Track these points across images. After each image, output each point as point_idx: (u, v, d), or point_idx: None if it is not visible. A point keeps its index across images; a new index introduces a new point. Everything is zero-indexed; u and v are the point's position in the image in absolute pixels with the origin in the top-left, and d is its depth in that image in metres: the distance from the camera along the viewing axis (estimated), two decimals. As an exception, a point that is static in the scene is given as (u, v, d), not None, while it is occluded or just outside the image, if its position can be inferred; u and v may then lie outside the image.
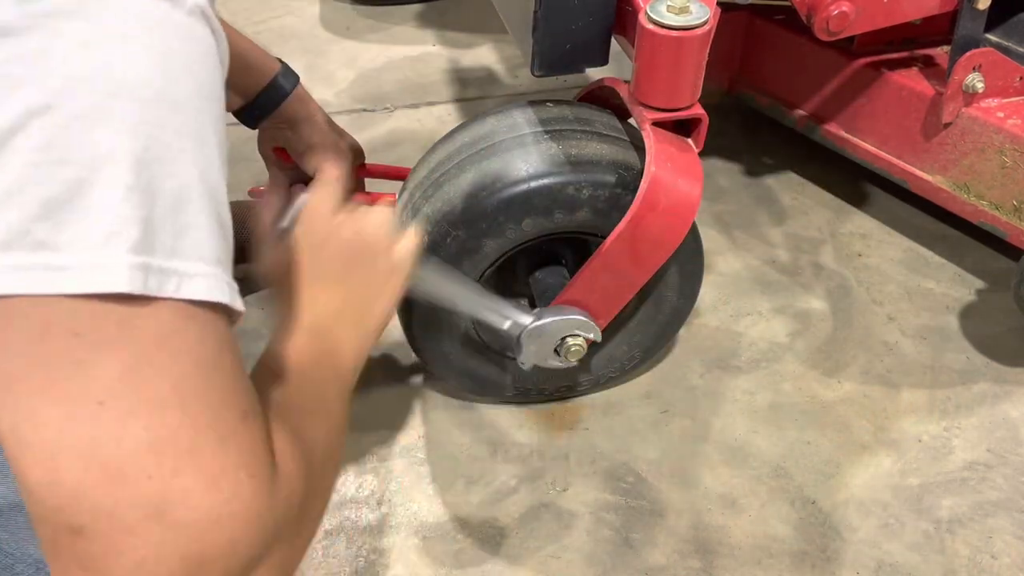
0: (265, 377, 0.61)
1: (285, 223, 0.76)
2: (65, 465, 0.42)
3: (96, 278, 0.42)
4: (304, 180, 1.11)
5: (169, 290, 0.44)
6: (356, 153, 1.11)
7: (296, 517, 0.52)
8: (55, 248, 0.42)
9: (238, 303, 0.49)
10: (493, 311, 0.95)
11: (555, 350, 0.97)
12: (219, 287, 0.47)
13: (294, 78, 1.04)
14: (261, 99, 1.03)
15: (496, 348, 1.04)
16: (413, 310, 0.97)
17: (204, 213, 0.47)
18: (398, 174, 1.11)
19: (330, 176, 1.01)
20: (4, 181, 0.41)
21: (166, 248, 0.45)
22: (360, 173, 1.13)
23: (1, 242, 0.41)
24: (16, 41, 0.43)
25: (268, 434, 0.50)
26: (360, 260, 0.74)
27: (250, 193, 1.14)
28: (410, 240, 0.79)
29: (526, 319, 0.95)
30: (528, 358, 0.97)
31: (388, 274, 0.76)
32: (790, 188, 1.46)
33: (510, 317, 0.95)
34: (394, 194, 1.08)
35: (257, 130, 1.07)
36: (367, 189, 1.16)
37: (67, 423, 0.42)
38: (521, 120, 0.96)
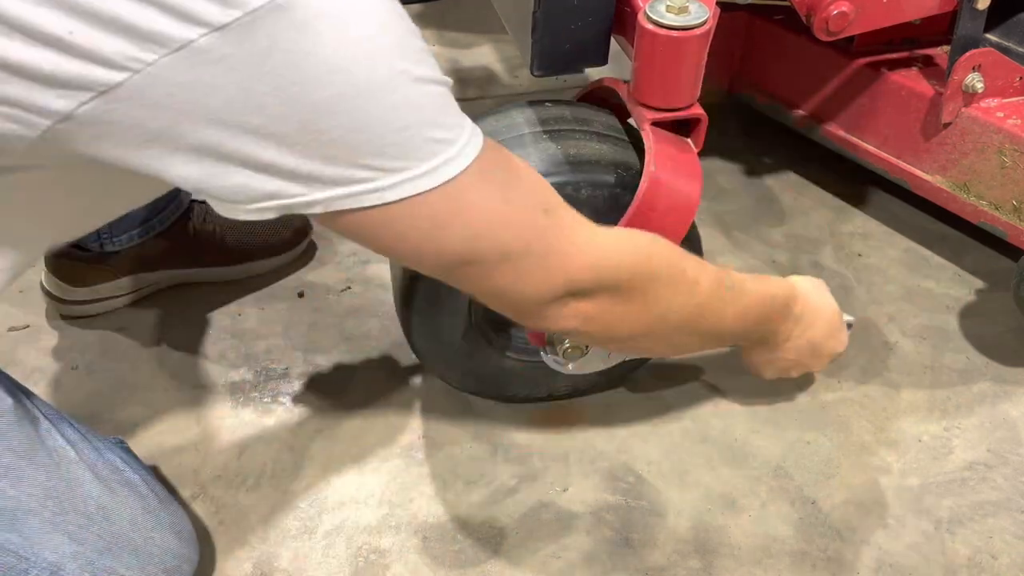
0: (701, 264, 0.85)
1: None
2: (510, 219, 0.69)
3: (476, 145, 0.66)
4: None
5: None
6: None
7: (620, 289, 0.76)
8: (451, 143, 0.63)
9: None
10: None
11: (554, 348, 0.97)
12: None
13: None
14: None
15: (496, 348, 1.04)
16: (413, 310, 0.97)
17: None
18: None
19: None
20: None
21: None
22: None
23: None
24: None
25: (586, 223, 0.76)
26: (824, 340, 0.98)
27: None
28: (842, 340, 1.01)
29: None
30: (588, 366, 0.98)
31: (818, 357, 1.00)
32: (790, 188, 1.46)
33: None
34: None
35: None
36: None
37: (501, 205, 0.67)
38: (520, 120, 0.96)
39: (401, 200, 0.62)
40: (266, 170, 0.59)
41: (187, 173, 0.59)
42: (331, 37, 0.55)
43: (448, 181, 0.63)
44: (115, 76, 0.53)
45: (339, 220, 0.63)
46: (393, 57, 0.59)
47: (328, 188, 0.60)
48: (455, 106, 0.65)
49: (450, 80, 0.65)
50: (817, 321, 0.97)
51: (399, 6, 0.61)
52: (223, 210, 0.63)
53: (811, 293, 0.97)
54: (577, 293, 0.74)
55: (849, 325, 1.03)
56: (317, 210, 0.61)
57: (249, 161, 0.58)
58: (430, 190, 0.62)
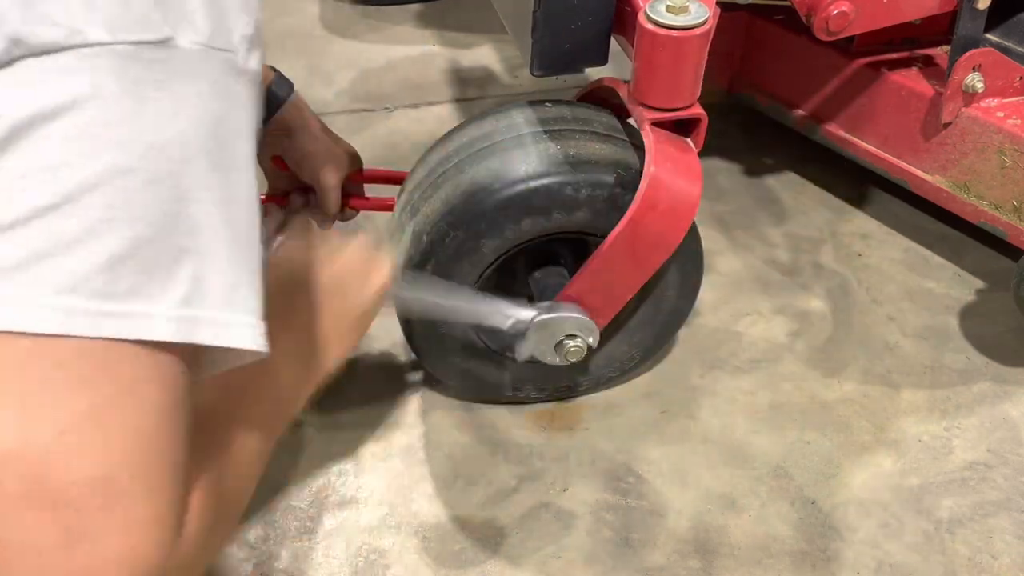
0: (208, 410, 0.61)
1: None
2: (4, 476, 0.44)
3: (142, 327, 0.46)
4: (302, 188, 1.11)
5: (197, 338, 0.48)
6: (353, 159, 1.11)
7: (185, 569, 0.52)
8: (111, 298, 0.46)
9: (262, 343, 0.52)
10: (493, 313, 0.95)
11: (555, 349, 0.97)
12: (242, 334, 0.51)
13: (287, 86, 1.05)
14: None
15: (496, 348, 1.04)
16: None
17: (245, 264, 0.52)
18: (396, 178, 1.11)
19: (328, 184, 1.02)
20: (72, 230, 0.45)
21: (216, 302, 0.49)
22: (358, 179, 1.13)
23: (64, 285, 0.45)
24: (105, 104, 0.46)
25: (187, 489, 0.52)
26: (331, 300, 0.77)
27: None
28: (379, 279, 0.82)
29: (528, 314, 0.95)
30: (527, 349, 0.97)
31: (355, 320, 0.80)
32: (790, 188, 1.46)
33: (511, 315, 0.95)
34: (392, 198, 1.08)
35: None
36: (366, 194, 1.16)
37: (22, 440, 0.44)
38: (520, 120, 0.96)
39: None
40: None
41: None
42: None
43: None
44: None
45: None
46: None
47: None
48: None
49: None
50: (341, 287, 0.78)
51: None
52: None
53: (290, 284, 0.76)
54: None
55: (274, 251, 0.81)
56: None
57: None
58: None
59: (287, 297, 0.74)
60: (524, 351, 0.97)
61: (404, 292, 0.91)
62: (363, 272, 0.81)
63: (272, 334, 0.62)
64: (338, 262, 0.80)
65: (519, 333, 0.96)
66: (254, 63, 0.54)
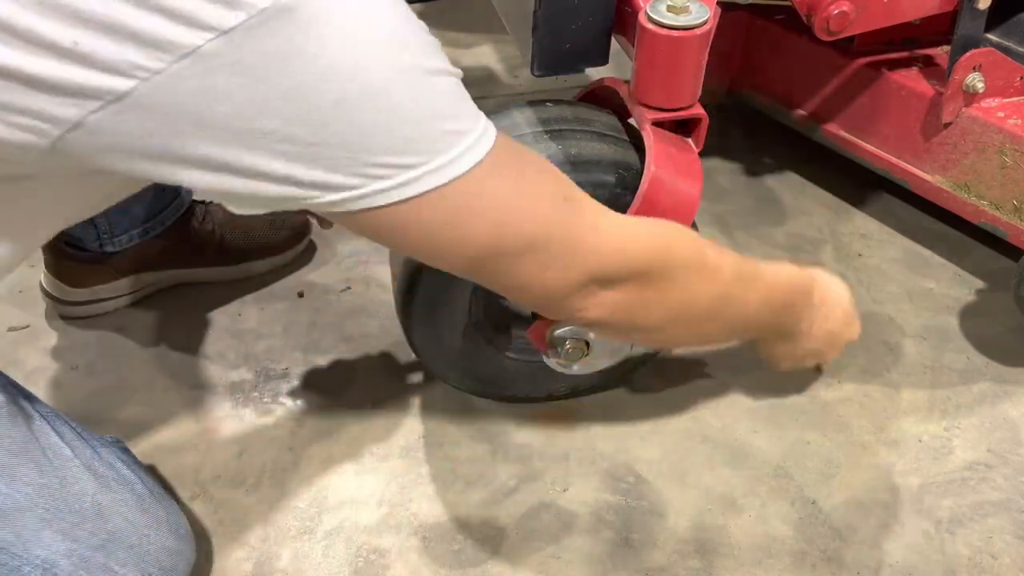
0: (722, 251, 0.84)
1: None
2: (530, 208, 0.69)
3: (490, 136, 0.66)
4: None
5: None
6: None
7: (645, 276, 0.76)
8: (466, 134, 0.63)
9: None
10: None
11: (556, 351, 0.97)
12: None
13: None
14: None
15: (496, 348, 1.04)
16: (413, 310, 0.97)
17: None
18: None
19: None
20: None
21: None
22: None
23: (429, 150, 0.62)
24: None
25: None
26: (815, 312, 0.96)
27: None
28: (854, 331, 1.02)
29: None
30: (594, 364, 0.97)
31: (834, 346, 1.01)
32: (790, 188, 1.46)
33: None
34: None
35: None
36: None
37: (520, 195, 0.67)
38: (520, 120, 0.96)
39: (419, 195, 0.61)
40: (276, 179, 0.59)
41: (200, 182, 0.59)
42: (339, 37, 0.55)
43: (466, 173, 0.62)
44: (122, 84, 0.53)
45: (357, 219, 0.63)
46: (402, 52, 0.59)
47: (343, 191, 0.60)
48: (467, 97, 0.65)
49: (460, 71, 0.65)
50: (836, 310, 0.97)
51: (403, 3, 0.61)
52: (233, 208, 0.63)
53: (828, 283, 0.98)
54: (602, 281, 0.74)
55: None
56: (336, 210, 0.61)
57: (262, 171, 0.58)
58: (448, 183, 0.62)
59: (818, 303, 0.96)
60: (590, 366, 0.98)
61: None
62: (848, 322, 1.00)
63: (773, 284, 0.90)
64: (846, 297, 0.99)
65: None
66: None
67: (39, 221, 0.71)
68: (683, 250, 0.80)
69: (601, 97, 1.02)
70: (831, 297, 0.97)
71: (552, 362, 0.97)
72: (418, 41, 0.61)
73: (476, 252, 0.68)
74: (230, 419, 1.08)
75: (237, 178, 0.59)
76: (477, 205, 0.65)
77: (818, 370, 1.14)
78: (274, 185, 0.59)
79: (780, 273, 0.92)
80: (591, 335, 0.96)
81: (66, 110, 0.54)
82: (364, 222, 0.63)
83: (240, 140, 0.56)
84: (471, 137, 0.63)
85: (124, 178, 0.61)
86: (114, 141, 0.56)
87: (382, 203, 0.61)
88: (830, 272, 1.01)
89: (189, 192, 0.67)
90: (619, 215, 0.76)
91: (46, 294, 1.19)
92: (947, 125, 1.17)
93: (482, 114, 0.65)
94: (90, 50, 0.52)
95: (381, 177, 0.60)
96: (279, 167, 0.58)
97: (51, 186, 0.66)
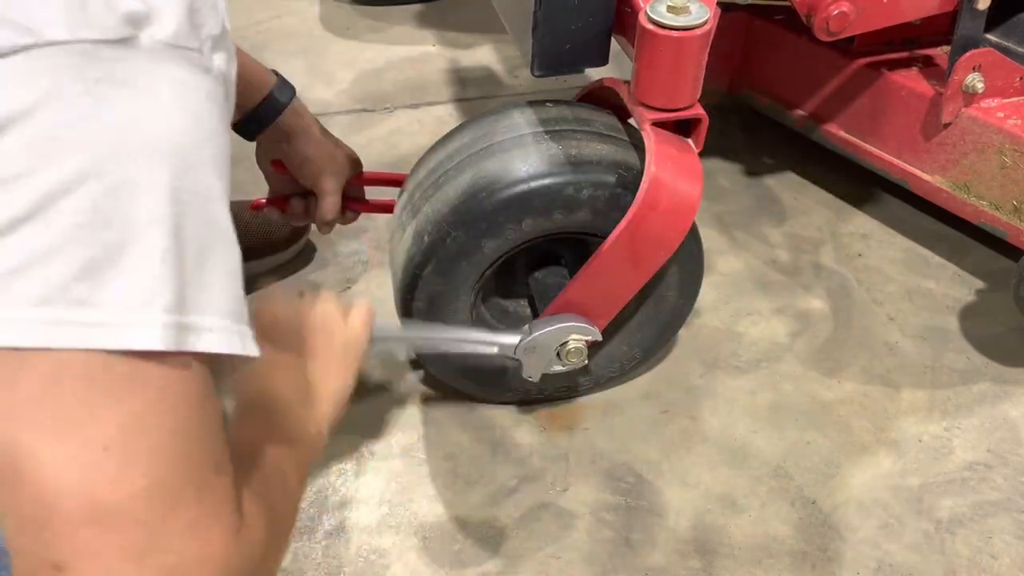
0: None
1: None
2: (60, 504, 0.44)
3: (134, 336, 0.45)
4: (302, 192, 1.11)
5: (189, 345, 0.47)
6: (353, 163, 1.11)
7: (257, 570, 0.53)
8: (93, 306, 0.44)
9: (251, 348, 0.51)
10: (478, 343, 0.96)
11: (557, 355, 0.97)
12: (231, 339, 0.49)
13: (290, 91, 1.05)
14: (258, 113, 1.03)
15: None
16: (413, 310, 0.97)
17: (222, 267, 0.50)
18: (396, 180, 1.12)
19: (328, 188, 1.03)
20: (47, 239, 0.44)
21: (193, 305, 0.48)
22: (358, 182, 1.13)
23: (40, 297, 0.43)
24: (65, 105, 0.44)
25: (235, 489, 0.52)
26: (314, 345, 0.78)
27: (252, 207, 1.14)
28: (359, 317, 0.83)
29: (512, 339, 0.95)
30: (532, 371, 0.98)
31: (343, 352, 0.80)
32: (790, 188, 1.46)
33: (496, 343, 0.96)
34: (392, 200, 1.08)
35: (255, 142, 1.08)
36: (367, 196, 1.16)
37: (69, 464, 0.44)
38: (520, 120, 0.96)
39: None
40: None
41: None
42: None
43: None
44: None
45: None
46: None
47: None
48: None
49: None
50: (326, 354, 0.79)
51: None
52: None
53: (289, 351, 0.76)
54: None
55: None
56: None
57: None
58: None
59: (276, 343, 0.75)
60: (530, 372, 0.98)
61: (385, 330, 0.92)
62: (343, 311, 0.82)
63: (269, 376, 0.64)
64: (318, 305, 0.81)
65: (513, 358, 0.97)
66: (219, 62, 0.53)
67: None
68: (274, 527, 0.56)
69: (601, 97, 1.02)
70: (306, 359, 0.77)
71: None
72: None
73: None
74: (230, 419, 1.08)
75: None
76: None
77: (808, 379, 1.14)
78: None
79: (295, 442, 0.69)
80: (598, 336, 0.97)
81: None
82: None
83: None
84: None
85: None
86: None
87: None
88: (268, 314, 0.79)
89: None
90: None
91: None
92: (947, 125, 1.17)
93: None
94: None
95: None
96: None
97: None
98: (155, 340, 0.45)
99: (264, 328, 0.74)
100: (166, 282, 0.46)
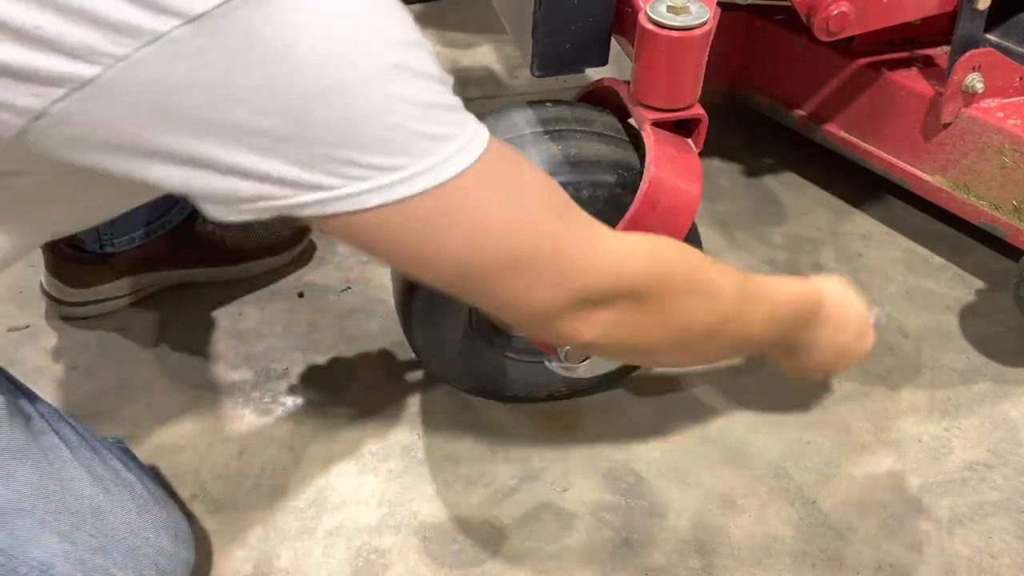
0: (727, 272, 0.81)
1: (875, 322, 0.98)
2: (516, 223, 0.64)
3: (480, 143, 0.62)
4: None
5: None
6: None
7: (639, 297, 0.71)
8: (449, 140, 0.60)
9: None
10: None
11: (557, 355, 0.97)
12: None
13: None
14: None
15: (496, 348, 1.04)
16: (413, 310, 0.97)
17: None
18: None
19: None
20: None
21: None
22: None
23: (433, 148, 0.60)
24: None
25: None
26: (824, 324, 0.91)
27: None
28: (867, 343, 0.96)
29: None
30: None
31: (844, 359, 0.96)
32: (790, 188, 1.46)
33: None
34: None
35: None
36: None
37: (506, 208, 0.64)
38: (520, 120, 0.96)
39: (393, 203, 0.58)
40: (249, 174, 0.56)
41: (168, 177, 0.56)
42: (313, 28, 0.53)
43: (447, 181, 0.59)
44: (86, 71, 0.51)
45: (332, 223, 0.59)
46: (383, 49, 0.56)
47: (316, 191, 0.57)
48: (456, 102, 0.62)
49: (450, 77, 0.62)
50: (845, 325, 0.93)
51: (396, 1, 0.59)
52: (212, 213, 0.60)
53: (838, 295, 0.93)
54: (592, 302, 0.69)
55: (877, 323, 0.98)
56: (308, 212, 0.58)
57: (230, 166, 0.56)
58: (427, 190, 0.58)
59: (815, 297, 0.90)
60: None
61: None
62: (861, 334, 0.95)
63: (778, 301, 0.85)
64: (859, 310, 0.94)
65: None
66: None
67: (28, 223, 0.70)
68: (682, 271, 0.76)
69: (601, 97, 1.02)
70: (840, 311, 0.92)
71: (554, 365, 0.97)
72: (402, 40, 0.57)
73: (455, 267, 0.64)
74: (230, 419, 1.08)
75: (208, 174, 0.56)
76: (457, 217, 0.61)
77: (825, 382, 1.14)
78: (247, 182, 0.56)
79: (785, 290, 0.88)
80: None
81: (29, 99, 0.52)
82: (339, 227, 0.60)
83: (208, 132, 0.54)
84: (455, 144, 0.59)
85: (102, 177, 0.58)
86: (78, 132, 0.54)
87: (355, 208, 0.58)
88: (842, 279, 0.96)
89: None
90: (615, 232, 0.73)
91: (46, 294, 1.19)
92: (947, 125, 1.17)
93: (472, 120, 0.62)
94: (54, 35, 0.50)
95: (356, 179, 0.57)
96: (250, 162, 0.55)
97: (36, 186, 0.64)
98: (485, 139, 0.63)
99: (826, 287, 0.92)
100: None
